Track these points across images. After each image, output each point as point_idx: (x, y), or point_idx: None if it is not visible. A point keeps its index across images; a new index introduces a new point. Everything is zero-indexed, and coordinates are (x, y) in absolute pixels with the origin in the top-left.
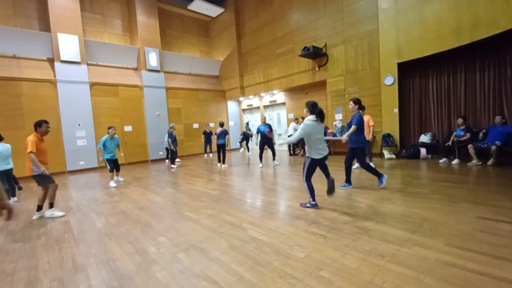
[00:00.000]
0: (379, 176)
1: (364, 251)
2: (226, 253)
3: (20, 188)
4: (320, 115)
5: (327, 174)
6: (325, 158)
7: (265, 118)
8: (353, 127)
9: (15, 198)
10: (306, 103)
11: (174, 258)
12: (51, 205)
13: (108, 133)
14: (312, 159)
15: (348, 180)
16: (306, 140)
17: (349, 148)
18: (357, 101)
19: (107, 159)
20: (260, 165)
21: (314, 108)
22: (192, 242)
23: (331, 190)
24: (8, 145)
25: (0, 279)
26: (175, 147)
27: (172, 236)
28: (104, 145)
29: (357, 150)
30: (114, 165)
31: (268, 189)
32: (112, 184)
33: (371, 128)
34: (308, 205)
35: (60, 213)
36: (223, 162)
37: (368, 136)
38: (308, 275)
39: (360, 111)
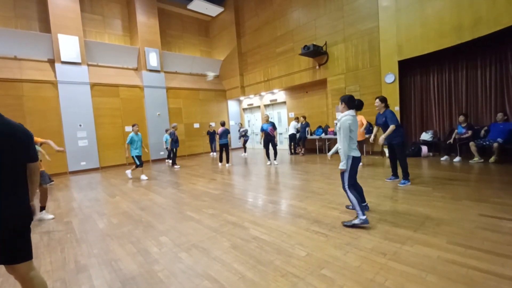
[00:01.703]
0: (406, 176)
1: (366, 250)
2: (228, 253)
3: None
4: (358, 107)
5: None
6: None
7: (267, 116)
8: (391, 127)
9: None
10: (342, 97)
11: (176, 258)
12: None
13: (133, 130)
14: (354, 158)
15: (395, 174)
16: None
17: (388, 144)
18: (383, 99)
19: (136, 156)
20: (268, 162)
21: (352, 102)
22: (193, 242)
23: None
24: None
25: (3, 280)
26: (176, 147)
27: (173, 236)
28: (131, 142)
29: (396, 145)
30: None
31: (269, 188)
32: (144, 177)
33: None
34: (356, 221)
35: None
36: (227, 161)
37: (363, 136)
38: (310, 273)
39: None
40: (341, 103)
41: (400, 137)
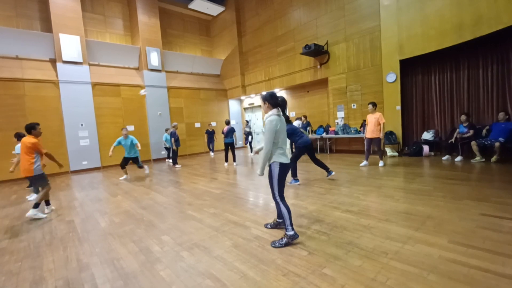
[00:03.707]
0: (295, 175)
1: (367, 249)
2: (230, 252)
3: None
4: (282, 105)
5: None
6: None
7: None
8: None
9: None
10: (263, 96)
11: (177, 257)
12: (36, 205)
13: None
14: (282, 164)
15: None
16: (274, 141)
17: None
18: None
19: (124, 157)
20: None
21: (275, 100)
22: (195, 241)
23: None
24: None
25: (6, 279)
26: (177, 146)
27: (175, 235)
28: (118, 144)
29: (301, 148)
30: (125, 163)
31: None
32: (121, 178)
33: (382, 125)
34: (284, 240)
35: (43, 215)
36: (234, 160)
37: (379, 133)
38: (311, 272)
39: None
40: (264, 103)
41: (305, 141)
